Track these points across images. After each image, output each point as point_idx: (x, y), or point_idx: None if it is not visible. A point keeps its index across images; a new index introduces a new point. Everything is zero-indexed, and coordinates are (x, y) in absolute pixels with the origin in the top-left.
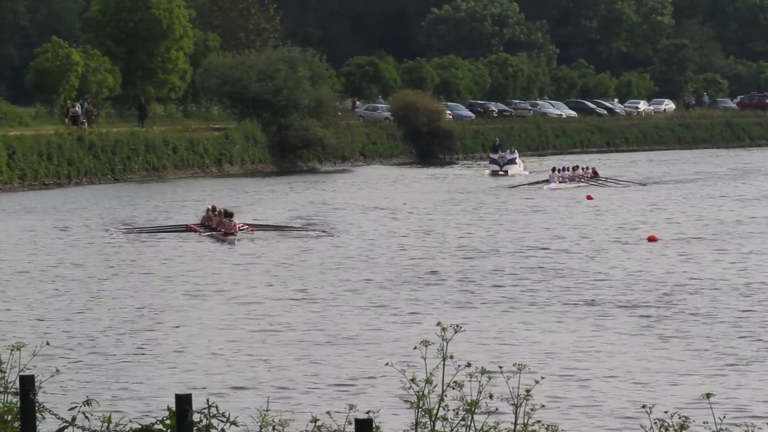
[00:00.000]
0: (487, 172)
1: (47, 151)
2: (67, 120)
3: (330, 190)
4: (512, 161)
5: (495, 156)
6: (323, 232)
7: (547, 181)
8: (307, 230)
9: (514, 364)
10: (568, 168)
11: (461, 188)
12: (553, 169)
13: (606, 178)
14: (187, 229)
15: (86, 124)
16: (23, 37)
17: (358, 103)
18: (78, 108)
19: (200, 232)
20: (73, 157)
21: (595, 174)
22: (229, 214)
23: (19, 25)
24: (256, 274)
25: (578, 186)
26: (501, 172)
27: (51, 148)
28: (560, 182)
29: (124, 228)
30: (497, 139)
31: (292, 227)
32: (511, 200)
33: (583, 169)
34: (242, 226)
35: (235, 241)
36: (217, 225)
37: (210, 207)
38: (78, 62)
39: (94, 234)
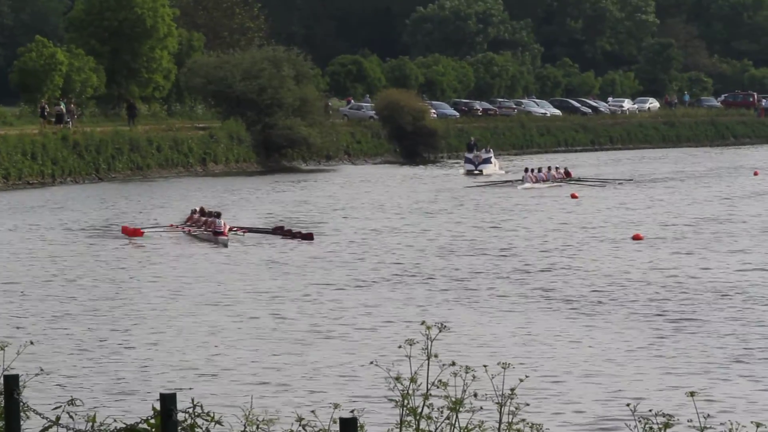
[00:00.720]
0: (462, 171)
1: (31, 150)
2: (42, 120)
3: (307, 189)
4: (487, 160)
5: (470, 155)
6: (306, 238)
7: (520, 181)
8: (294, 235)
9: (498, 363)
10: (541, 168)
11: (438, 188)
12: (526, 169)
13: (578, 178)
14: (173, 227)
15: (70, 123)
16: (7, 37)
17: (353, 101)
18: (62, 107)
19: (189, 230)
20: (57, 156)
21: (567, 174)
22: (217, 214)
23: (3, 24)
24: (240, 274)
25: (551, 186)
26: (476, 171)
27: (35, 148)
28: (533, 182)
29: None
30: (472, 138)
31: (280, 231)
32: (491, 199)
33: (555, 169)
34: (234, 228)
35: (228, 243)
36: (207, 225)
37: (197, 209)
38: (62, 61)
39: (78, 234)
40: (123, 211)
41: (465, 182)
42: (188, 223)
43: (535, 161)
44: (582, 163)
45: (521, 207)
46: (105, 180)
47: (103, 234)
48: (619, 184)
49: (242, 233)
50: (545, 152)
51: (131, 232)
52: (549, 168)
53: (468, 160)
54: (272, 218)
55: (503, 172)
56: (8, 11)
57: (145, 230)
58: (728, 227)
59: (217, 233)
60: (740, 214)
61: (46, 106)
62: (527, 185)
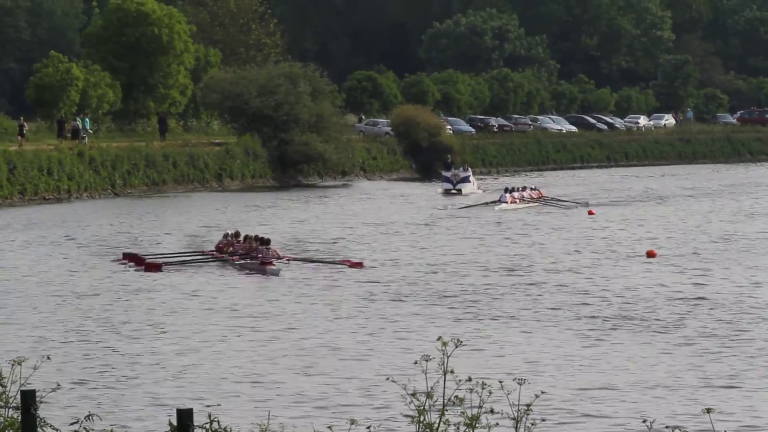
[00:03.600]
0: (439, 190)
1: (47, 165)
2: (59, 137)
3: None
4: (466, 179)
5: (447, 174)
6: (355, 266)
7: (498, 201)
8: (335, 263)
9: (514, 378)
10: (518, 188)
11: (415, 208)
12: (506, 189)
13: (551, 198)
14: (214, 257)
15: (86, 138)
16: (24, 52)
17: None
18: (79, 122)
19: (233, 260)
20: (73, 171)
21: (540, 195)
22: (265, 242)
23: (20, 39)
24: (253, 290)
25: (528, 206)
26: (454, 191)
27: (51, 163)
28: (511, 202)
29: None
30: (449, 156)
31: (322, 260)
32: (483, 219)
33: (530, 189)
34: (284, 258)
35: (279, 272)
36: (251, 252)
37: (231, 232)
38: (78, 77)
39: (95, 250)
40: (141, 230)
41: (443, 202)
42: (225, 249)
43: (515, 181)
44: (563, 182)
45: (533, 225)
46: (121, 195)
47: (120, 251)
48: (585, 205)
49: (286, 261)
50: (561, 168)
51: (149, 266)
52: (524, 188)
53: (446, 179)
54: (295, 237)
55: (481, 191)
56: (25, 26)
57: (166, 264)
58: (742, 244)
59: (265, 263)
60: (754, 231)
61: (66, 120)
62: (505, 206)
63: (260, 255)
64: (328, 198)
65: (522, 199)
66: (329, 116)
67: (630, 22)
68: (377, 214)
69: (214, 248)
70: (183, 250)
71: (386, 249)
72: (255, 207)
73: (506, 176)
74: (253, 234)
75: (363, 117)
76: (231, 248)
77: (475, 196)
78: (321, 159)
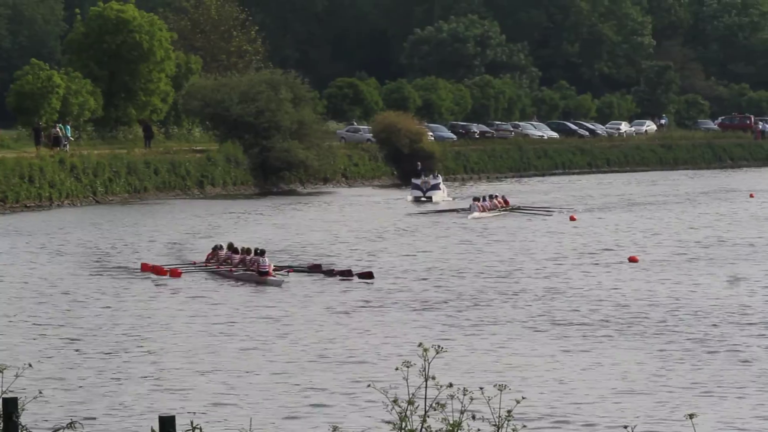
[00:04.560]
0: (409, 198)
1: (29, 173)
2: (37, 146)
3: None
4: (436, 186)
5: (417, 181)
6: (364, 277)
7: (468, 210)
8: (344, 274)
9: (495, 385)
10: (485, 197)
11: (396, 215)
12: (475, 198)
13: (518, 207)
14: (212, 269)
15: (67, 146)
16: (5, 60)
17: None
18: (59, 129)
19: (231, 270)
20: (54, 179)
21: (505, 202)
22: (261, 252)
23: (1, 47)
24: (234, 295)
25: (497, 215)
26: (424, 198)
27: (32, 171)
28: (481, 211)
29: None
30: (419, 163)
31: (324, 270)
32: (457, 227)
33: (496, 197)
34: (279, 268)
35: (282, 283)
36: (245, 264)
37: (221, 244)
38: (59, 84)
39: (78, 259)
40: (121, 237)
41: (414, 210)
42: (214, 260)
43: (479, 189)
44: (545, 188)
45: (513, 232)
46: (102, 203)
47: (105, 260)
48: (561, 212)
49: (286, 272)
50: (542, 175)
51: (170, 272)
52: (490, 196)
53: (415, 186)
54: (274, 244)
55: (451, 198)
56: (6, 34)
57: (182, 270)
58: (723, 249)
59: (262, 273)
60: (735, 237)
61: (42, 129)
62: (476, 214)
63: (257, 266)
64: (306, 205)
65: (490, 208)
66: (311, 123)
67: (611, 28)
68: (355, 222)
69: (204, 260)
70: (178, 263)
71: (366, 256)
72: (236, 214)
73: (470, 184)
74: (242, 246)
75: (355, 123)
76: (215, 258)
77: (444, 204)
78: (302, 166)
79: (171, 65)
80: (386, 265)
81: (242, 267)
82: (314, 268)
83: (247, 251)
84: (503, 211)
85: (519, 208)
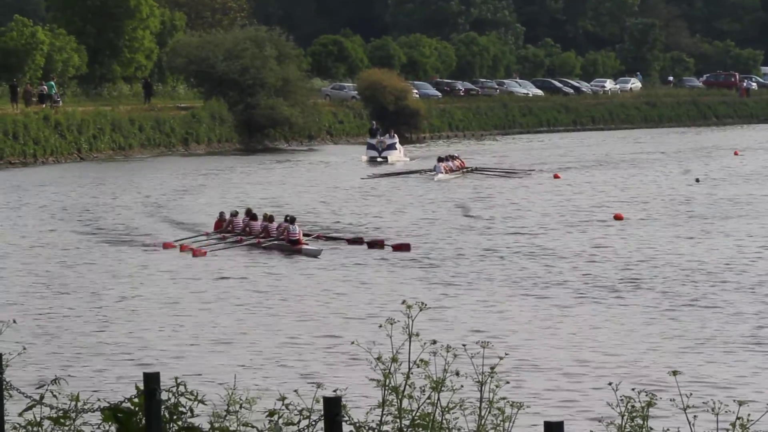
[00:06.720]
0: (364, 158)
1: (13, 130)
2: (13, 104)
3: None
4: (392, 146)
5: (373, 141)
6: (399, 249)
7: (433, 172)
8: (384, 245)
9: (478, 342)
10: (448, 157)
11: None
12: (439, 159)
13: (475, 168)
14: (224, 239)
15: (60, 101)
16: None
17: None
18: (45, 87)
19: (259, 241)
20: (39, 136)
21: (461, 164)
22: (290, 219)
23: None
24: (223, 259)
25: (461, 176)
26: (380, 159)
27: (17, 127)
28: (446, 172)
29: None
30: (374, 122)
31: (368, 242)
32: (424, 188)
33: (457, 158)
34: (310, 235)
35: (319, 253)
36: (270, 232)
37: (236, 211)
38: (44, 41)
39: (63, 216)
40: (108, 195)
41: (369, 171)
42: (230, 229)
43: (438, 150)
44: (528, 146)
45: (499, 189)
46: (87, 160)
47: (87, 215)
48: (526, 174)
49: (315, 238)
50: (527, 132)
51: (195, 252)
52: (451, 157)
53: (370, 146)
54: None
55: (408, 159)
56: None
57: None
58: (708, 208)
59: (292, 242)
60: (719, 194)
61: (29, 86)
62: (441, 176)
63: (287, 234)
64: (281, 163)
65: (453, 170)
66: (295, 80)
67: None
68: (311, 185)
69: (214, 228)
70: (190, 234)
71: (347, 215)
72: (220, 170)
73: (455, 141)
74: (252, 211)
75: (352, 82)
76: (230, 227)
77: (401, 164)
78: (287, 123)
79: (155, 22)
80: (370, 227)
81: (265, 236)
82: (356, 240)
83: (270, 218)
84: (468, 171)
85: (477, 169)
